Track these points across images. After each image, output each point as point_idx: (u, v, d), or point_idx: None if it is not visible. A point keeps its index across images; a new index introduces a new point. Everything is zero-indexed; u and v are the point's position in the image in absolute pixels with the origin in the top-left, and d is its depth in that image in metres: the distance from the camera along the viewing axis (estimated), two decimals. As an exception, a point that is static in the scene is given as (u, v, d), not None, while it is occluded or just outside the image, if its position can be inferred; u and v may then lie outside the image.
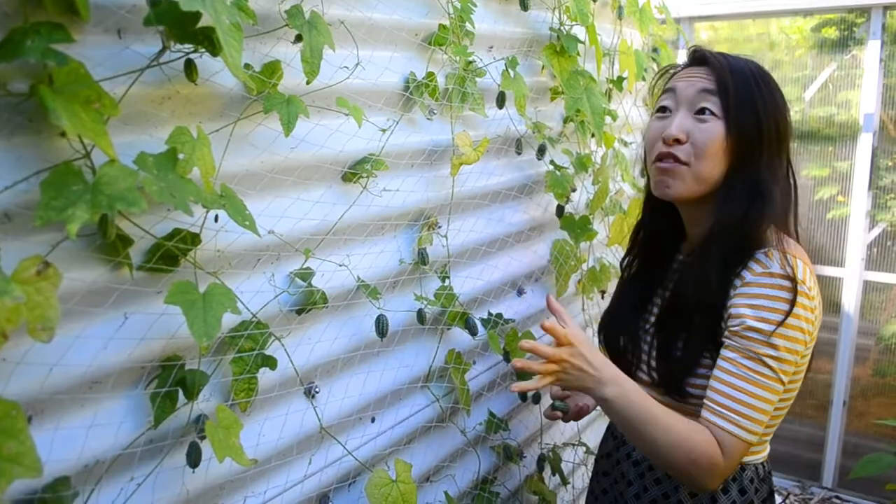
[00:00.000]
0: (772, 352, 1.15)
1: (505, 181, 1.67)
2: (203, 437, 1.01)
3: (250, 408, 1.09)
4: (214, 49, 0.89)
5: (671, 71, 1.39)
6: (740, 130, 1.24)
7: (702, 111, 1.24)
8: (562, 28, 1.74)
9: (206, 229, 0.98)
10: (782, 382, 1.17)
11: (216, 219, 1.00)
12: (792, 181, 1.32)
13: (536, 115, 1.76)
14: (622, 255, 1.54)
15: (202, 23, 0.88)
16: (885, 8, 3.10)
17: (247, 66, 1.03)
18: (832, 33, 3.32)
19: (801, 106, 3.41)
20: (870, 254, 3.28)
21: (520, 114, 1.60)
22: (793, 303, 1.15)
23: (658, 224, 1.43)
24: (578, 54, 1.75)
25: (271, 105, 1.02)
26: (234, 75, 0.90)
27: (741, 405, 1.16)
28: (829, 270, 3.33)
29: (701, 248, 1.28)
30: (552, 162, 1.76)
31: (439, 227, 1.44)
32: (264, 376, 1.09)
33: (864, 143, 3.21)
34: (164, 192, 0.82)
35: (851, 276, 3.29)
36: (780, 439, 3.54)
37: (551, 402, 1.52)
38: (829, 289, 3.34)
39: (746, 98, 1.25)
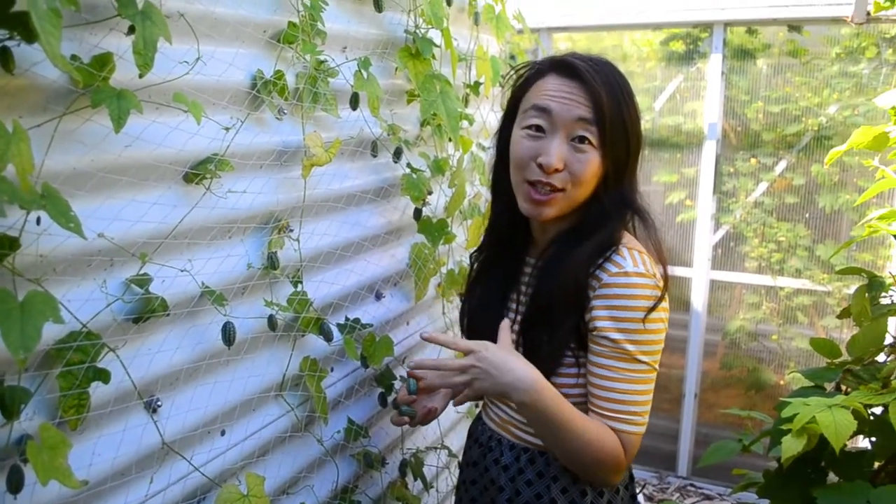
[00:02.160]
0: (642, 347, 1.24)
1: (360, 184, 1.65)
2: (26, 460, 0.92)
3: (82, 425, 1.01)
4: (30, 36, 0.82)
5: (527, 72, 1.38)
6: (613, 155, 1.28)
7: (579, 139, 1.26)
8: (417, 31, 1.74)
9: (27, 232, 0.90)
10: (655, 369, 1.27)
11: (38, 221, 0.92)
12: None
13: (392, 117, 1.75)
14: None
15: (17, 7, 0.81)
16: (726, 24, 3.31)
17: (74, 57, 0.96)
18: (679, 47, 3.51)
19: (652, 115, 3.58)
20: (715, 254, 3.49)
21: (374, 116, 1.58)
22: (648, 297, 1.23)
23: (510, 227, 1.45)
24: (434, 58, 1.75)
25: (100, 99, 0.95)
26: (54, 65, 0.83)
27: (629, 405, 1.24)
28: (679, 271, 3.52)
29: (558, 249, 1.33)
30: (409, 165, 1.76)
31: (291, 231, 1.40)
32: (97, 391, 1.02)
33: (709, 151, 3.42)
34: (-30, 190, 0.74)
35: (699, 276, 3.48)
36: (636, 434, 3.69)
37: (396, 407, 1.51)
38: (680, 288, 3.52)
39: (619, 122, 1.28)
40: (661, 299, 1.26)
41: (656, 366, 1.27)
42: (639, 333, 1.23)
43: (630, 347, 1.23)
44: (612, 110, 1.27)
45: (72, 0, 0.88)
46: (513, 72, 1.44)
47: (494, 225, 1.51)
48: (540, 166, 1.27)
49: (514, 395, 1.23)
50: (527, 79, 1.37)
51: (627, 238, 1.33)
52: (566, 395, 1.27)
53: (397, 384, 1.76)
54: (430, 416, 1.53)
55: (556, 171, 1.26)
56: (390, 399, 1.72)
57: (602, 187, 1.31)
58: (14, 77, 0.89)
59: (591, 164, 1.27)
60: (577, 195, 1.29)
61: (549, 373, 1.28)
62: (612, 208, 1.31)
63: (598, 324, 1.24)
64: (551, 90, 1.29)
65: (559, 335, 1.29)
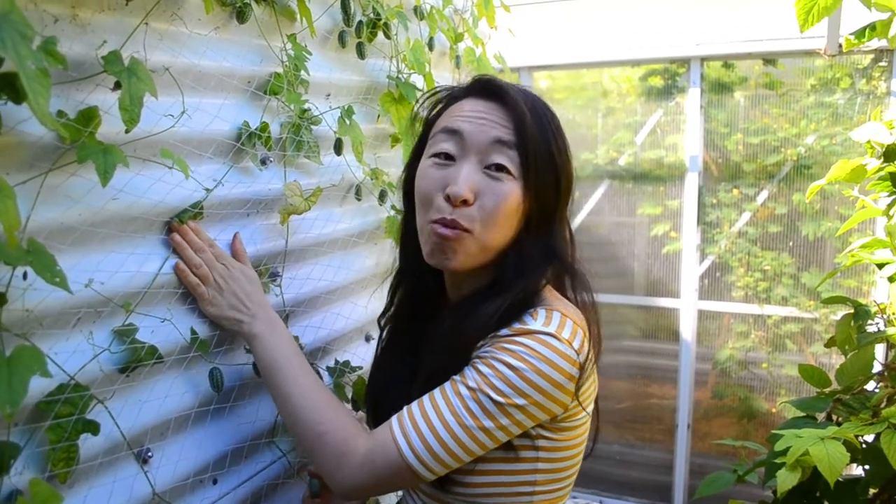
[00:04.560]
0: (494, 395, 0.99)
1: (346, 227, 1.66)
2: (16, 516, 0.92)
3: (71, 478, 1.01)
4: (18, 96, 0.84)
5: (443, 95, 1.20)
6: (538, 191, 1.08)
7: (496, 167, 1.06)
8: (400, 76, 1.77)
9: (13, 287, 0.91)
10: (489, 434, 1.00)
11: (25, 276, 0.93)
12: (569, 234, 1.19)
13: (377, 161, 1.77)
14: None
15: (4, 68, 0.83)
16: (703, 59, 3.37)
17: (60, 113, 0.97)
18: (658, 82, 3.57)
19: (634, 149, 3.63)
20: (702, 285, 3.52)
21: (358, 160, 1.60)
22: (550, 362, 0.99)
23: (421, 283, 1.25)
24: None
25: (86, 155, 0.96)
26: (42, 124, 0.84)
27: (427, 426, 1.00)
28: (666, 302, 3.55)
29: (464, 307, 1.11)
30: (393, 207, 1.77)
31: (276, 276, 1.40)
32: (87, 443, 1.02)
33: (691, 183, 3.46)
34: (-42, 249, 0.75)
35: (687, 306, 3.50)
36: (633, 465, 3.69)
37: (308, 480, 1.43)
38: (668, 319, 3.55)
39: (545, 152, 1.08)
40: (575, 378, 1.02)
41: (499, 435, 1.00)
42: (503, 382, 0.98)
43: (482, 382, 0.99)
44: (536, 136, 1.06)
45: (59, 59, 0.90)
46: (424, 99, 1.24)
47: (400, 285, 1.31)
48: (447, 198, 1.05)
49: (245, 324, 1.17)
50: (440, 106, 1.19)
51: (554, 298, 1.11)
52: (488, 494, 1.06)
53: None
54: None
55: (465, 202, 1.04)
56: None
57: (524, 233, 1.10)
58: (1, 135, 0.91)
59: (508, 197, 1.05)
60: (489, 238, 1.06)
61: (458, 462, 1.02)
62: (535, 259, 1.09)
63: (476, 353, 1.04)
64: (465, 111, 1.10)
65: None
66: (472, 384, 1.00)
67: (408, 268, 1.27)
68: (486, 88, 1.12)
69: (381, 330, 1.35)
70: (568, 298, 1.15)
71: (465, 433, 1.00)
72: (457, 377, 1.04)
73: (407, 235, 1.25)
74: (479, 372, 1.01)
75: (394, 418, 1.04)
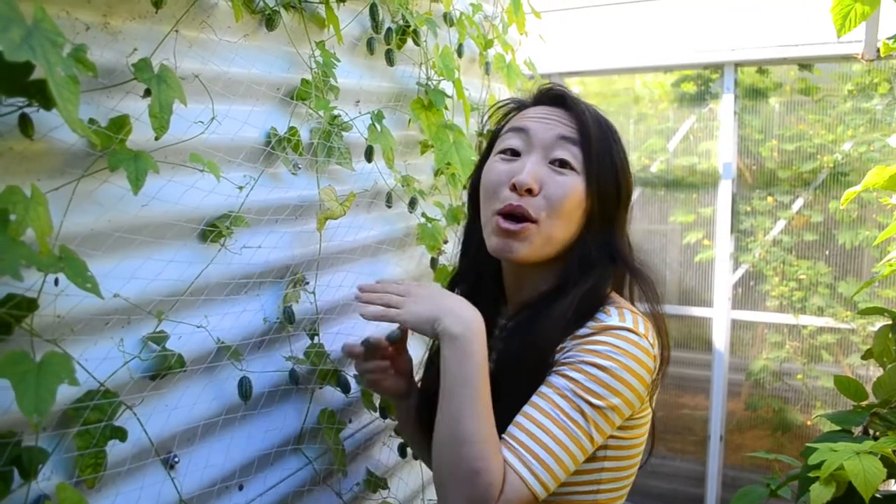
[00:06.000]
0: (592, 399, 1.00)
1: (376, 234, 1.66)
2: (43, 521, 0.93)
3: (99, 483, 1.01)
4: (48, 103, 0.84)
5: (513, 105, 1.25)
6: (600, 190, 1.11)
7: (560, 162, 1.10)
8: (429, 83, 1.77)
9: (46, 293, 0.91)
10: (592, 440, 1.01)
11: (56, 282, 0.93)
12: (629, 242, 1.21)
13: (407, 168, 1.77)
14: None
15: (35, 75, 0.84)
16: (736, 64, 3.33)
17: (92, 120, 0.98)
18: (691, 88, 3.53)
19: (667, 156, 3.59)
20: (735, 294, 3.46)
21: (388, 167, 1.60)
22: (631, 356, 1.02)
23: (476, 288, 1.26)
24: (446, 108, 1.78)
25: (117, 162, 0.97)
26: (72, 130, 0.85)
27: (540, 446, 0.98)
28: (698, 311, 3.50)
29: (533, 309, 1.13)
30: (423, 214, 1.77)
31: (307, 284, 1.40)
32: (114, 449, 1.02)
33: (725, 190, 3.41)
34: (-11, 255, 0.76)
35: (720, 316, 3.45)
36: (664, 476, 3.64)
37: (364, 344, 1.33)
38: (700, 328, 3.50)
39: (606, 153, 1.13)
40: (653, 372, 1.05)
41: (595, 435, 1.00)
42: (596, 383, 1.00)
43: (579, 391, 1.00)
44: (598, 137, 1.12)
45: (89, 66, 0.90)
46: (494, 109, 1.29)
47: (454, 288, 1.31)
48: (513, 188, 1.09)
49: (446, 320, 1.01)
50: (507, 117, 1.24)
51: (618, 299, 1.14)
52: (556, 493, 1.02)
53: None
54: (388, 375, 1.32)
55: (530, 192, 1.08)
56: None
57: (586, 232, 1.13)
58: (33, 142, 0.92)
59: (571, 189, 1.09)
60: (553, 229, 1.09)
61: None
62: (599, 258, 1.12)
63: (559, 356, 1.04)
64: (529, 114, 1.17)
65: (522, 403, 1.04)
66: (568, 394, 1.01)
67: (466, 270, 1.30)
68: (549, 95, 1.19)
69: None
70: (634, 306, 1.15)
71: (574, 445, 1.00)
72: (549, 390, 1.02)
73: (468, 238, 1.29)
74: (571, 380, 1.01)
75: (509, 454, 0.99)
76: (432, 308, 1.05)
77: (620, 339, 1.03)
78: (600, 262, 1.12)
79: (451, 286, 1.32)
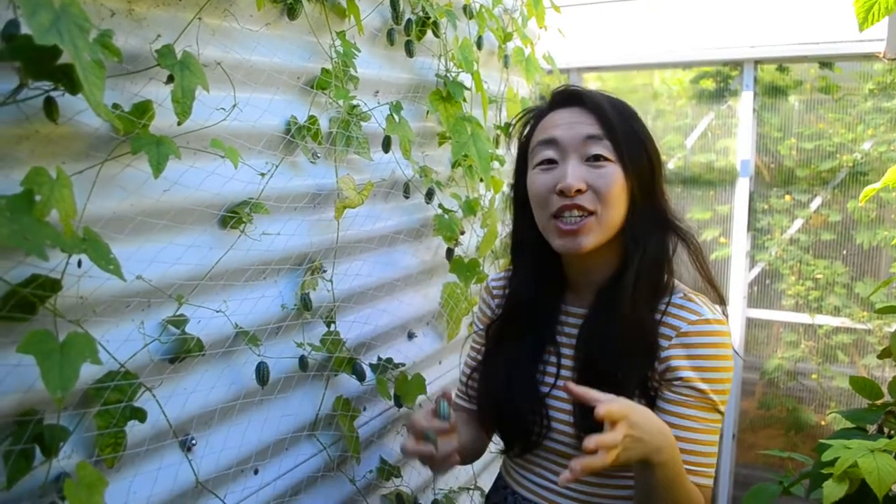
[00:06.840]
0: (722, 398, 1.18)
1: (393, 224, 1.67)
2: (63, 498, 0.94)
3: (118, 463, 1.03)
4: (74, 87, 0.86)
5: (533, 114, 1.31)
6: (636, 169, 1.20)
7: (595, 157, 1.18)
8: (448, 75, 1.77)
9: (69, 275, 0.93)
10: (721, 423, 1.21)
11: (79, 264, 0.95)
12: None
13: (424, 159, 1.77)
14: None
15: (62, 59, 0.85)
16: (756, 62, 3.29)
17: (115, 105, 0.99)
18: (710, 85, 3.50)
19: (684, 153, 3.57)
20: (751, 292, 3.44)
21: (405, 158, 1.61)
22: (728, 346, 1.18)
23: (537, 283, 1.33)
24: (465, 100, 1.78)
25: (139, 146, 0.98)
26: (97, 114, 0.86)
27: (709, 457, 1.18)
28: (713, 308, 3.46)
29: (606, 297, 1.22)
30: (440, 205, 1.77)
31: (324, 272, 1.42)
32: (134, 429, 1.04)
33: (742, 188, 3.38)
34: (16, 235, 0.77)
35: (735, 314, 3.43)
36: (674, 476, 3.62)
37: (412, 431, 1.19)
38: (715, 326, 3.46)
39: (631, 133, 1.21)
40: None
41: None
42: (721, 383, 1.17)
43: (715, 398, 1.17)
44: (620, 122, 1.20)
45: (115, 51, 0.92)
46: (515, 122, 1.37)
47: (518, 289, 1.36)
48: (561, 193, 1.17)
49: (657, 457, 1.07)
50: (529, 126, 1.31)
51: (681, 286, 1.25)
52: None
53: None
54: (448, 461, 1.20)
55: (579, 192, 1.16)
56: (405, 422, 1.70)
57: (632, 208, 1.21)
58: (58, 126, 0.93)
59: (613, 178, 1.17)
60: (609, 216, 1.18)
61: None
62: (648, 225, 1.22)
63: (683, 374, 1.16)
64: (554, 122, 1.23)
65: (627, 389, 1.15)
66: (706, 405, 1.17)
67: (523, 267, 1.35)
68: (564, 97, 1.25)
69: (487, 335, 1.38)
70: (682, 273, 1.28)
71: (716, 436, 1.19)
72: (689, 411, 1.17)
73: (519, 239, 1.36)
74: (701, 392, 1.16)
75: (699, 479, 1.16)
76: (645, 454, 1.06)
77: (721, 335, 1.18)
78: (650, 227, 1.23)
79: (512, 294, 1.37)
